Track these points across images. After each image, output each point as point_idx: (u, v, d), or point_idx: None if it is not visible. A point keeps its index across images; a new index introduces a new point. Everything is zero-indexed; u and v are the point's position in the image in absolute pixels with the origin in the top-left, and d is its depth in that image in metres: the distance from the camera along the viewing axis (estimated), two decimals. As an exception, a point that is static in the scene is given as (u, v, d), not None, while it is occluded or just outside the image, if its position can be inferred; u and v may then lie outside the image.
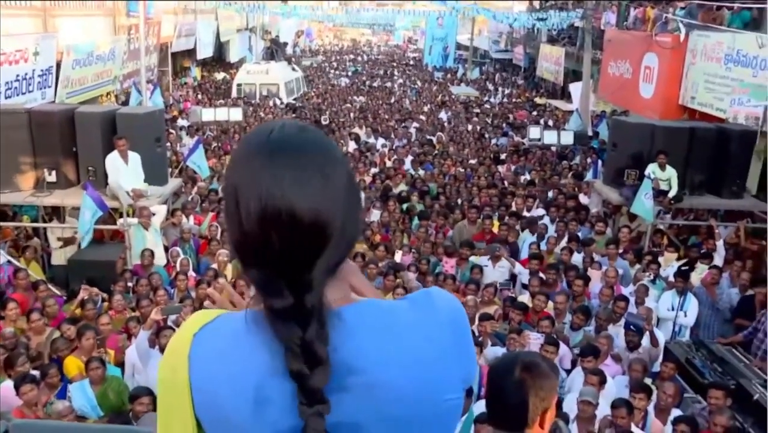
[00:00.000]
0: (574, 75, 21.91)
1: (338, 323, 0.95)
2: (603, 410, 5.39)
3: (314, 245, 0.92)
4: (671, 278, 8.05)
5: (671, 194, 9.50)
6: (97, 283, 7.93)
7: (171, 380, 1.03)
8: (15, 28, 10.69)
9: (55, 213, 9.52)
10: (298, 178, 0.92)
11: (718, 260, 8.58)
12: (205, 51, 25.98)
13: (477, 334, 6.57)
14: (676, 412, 5.57)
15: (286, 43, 33.49)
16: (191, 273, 8.18)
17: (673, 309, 7.63)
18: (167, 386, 1.04)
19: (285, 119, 1.06)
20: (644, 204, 9.00)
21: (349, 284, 1.10)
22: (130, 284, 7.77)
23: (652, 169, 9.51)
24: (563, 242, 9.34)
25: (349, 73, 36.60)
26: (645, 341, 6.64)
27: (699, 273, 8.17)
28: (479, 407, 5.46)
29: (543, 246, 9.27)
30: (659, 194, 9.36)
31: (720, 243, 8.86)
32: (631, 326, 6.54)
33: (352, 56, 48.14)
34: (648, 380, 6.04)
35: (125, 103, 14.16)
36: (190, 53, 25.57)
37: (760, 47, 10.13)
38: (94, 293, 7.38)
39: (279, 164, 0.92)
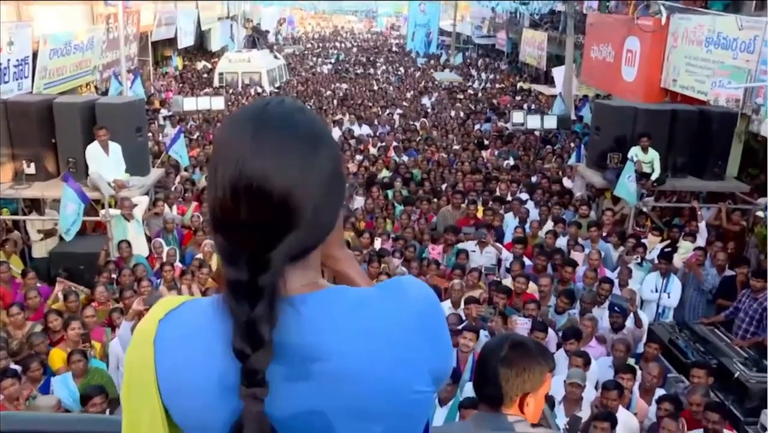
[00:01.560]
0: (557, 60, 21.92)
1: (303, 309, 0.93)
2: (588, 391, 5.44)
3: (280, 226, 0.90)
4: (655, 261, 8.12)
5: (654, 177, 9.56)
6: (79, 275, 7.87)
7: (138, 366, 1.01)
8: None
9: (35, 205, 9.40)
10: (279, 153, 0.90)
11: (701, 241, 8.65)
12: (186, 40, 25.70)
13: (463, 317, 6.61)
14: (660, 392, 5.64)
15: (267, 31, 33.20)
16: (177, 264, 8.12)
17: (656, 291, 7.72)
18: (134, 372, 1.02)
19: (285, 97, 1.04)
20: (627, 187, 9.05)
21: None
22: (114, 276, 7.71)
23: (634, 152, 9.57)
24: (547, 226, 9.38)
25: (332, 61, 36.39)
26: (629, 322, 6.70)
27: (682, 253, 8.25)
28: (466, 392, 5.51)
29: (527, 230, 9.30)
30: (642, 177, 9.41)
31: (702, 225, 8.94)
32: (616, 307, 6.59)
33: (336, 43, 47.88)
34: (631, 360, 6.09)
35: (105, 93, 13.98)
36: (171, 42, 25.29)
37: (740, 29, 10.18)
38: (68, 285, 7.31)
39: (263, 136, 0.91)
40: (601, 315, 6.81)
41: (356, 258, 7.09)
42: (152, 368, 0.98)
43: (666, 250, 8.00)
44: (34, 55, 11.51)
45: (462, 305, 6.81)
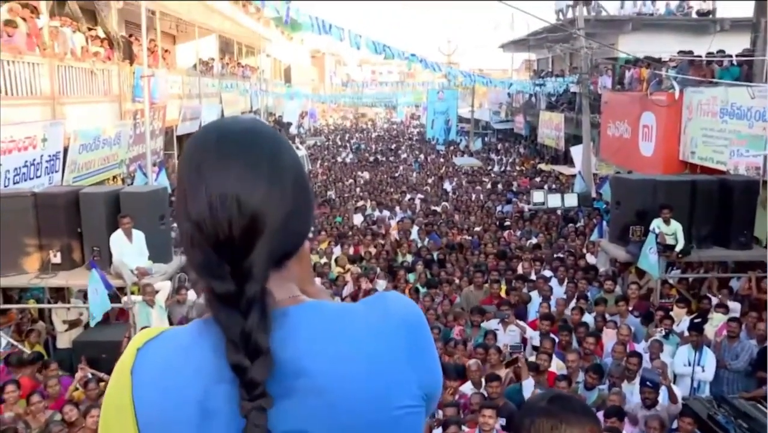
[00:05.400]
0: (574, 140, 22.16)
1: (284, 322, 0.91)
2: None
3: (255, 233, 0.91)
4: (685, 334, 7.87)
5: (678, 248, 9.42)
6: (102, 364, 7.82)
7: (115, 398, 0.98)
8: (25, 116, 11.00)
9: (60, 295, 9.49)
10: (247, 172, 0.93)
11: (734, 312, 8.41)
12: (211, 134, 26.54)
13: (486, 396, 6.43)
14: (700, 470, 5.33)
15: (290, 123, 34.19)
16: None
17: (689, 364, 7.42)
18: (110, 405, 0.99)
19: (236, 116, 1.09)
20: (649, 259, 8.91)
21: (303, 289, 1.08)
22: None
23: (656, 224, 9.47)
24: (573, 303, 9.23)
25: (353, 150, 37.11)
26: (663, 398, 6.42)
27: (714, 325, 7.99)
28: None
29: (552, 306, 9.14)
30: (666, 249, 9.28)
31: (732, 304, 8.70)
32: (648, 382, 6.33)
33: (357, 134, 49.04)
34: (667, 438, 5.81)
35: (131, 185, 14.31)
36: (196, 136, 26.09)
37: (752, 98, 10.27)
38: (90, 372, 7.28)
39: (231, 159, 0.94)
40: (632, 391, 6.55)
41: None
42: (129, 399, 0.95)
43: (696, 321, 7.76)
44: (65, 150, 11.92)
45: (483, 383, 6.64)
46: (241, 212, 0.90)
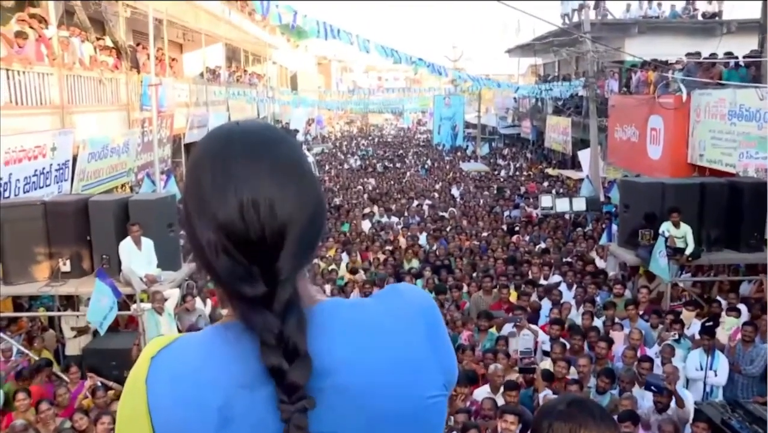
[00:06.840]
0: (582, 144, 22.10)
1: (310, 322, 0.91)
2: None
3: (285, 236, 0.90)
4: (696, 337, 7.82)
5: (688, 251, 9.36)
6: (111, 371, 7.84)
7: (130, 408, 0.96)
8: (35, 125, 11.06)
9: (70, 303, 9.52)
10: (279, 177, 0.92)
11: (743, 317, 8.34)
12: (218, 141, 26.55)
13: (498, 403, 6.38)
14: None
15: (297, 131, 34.24)
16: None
17: (701, 368, 7.35)
18: (125, 415, 0.97)
19: (243, 120, 1.06)
20: (660, 262, 8.86)
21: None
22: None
23: (666, 227, 9.42)
24: (582, 307, 9.19)
25: (360, 156, 37.12)
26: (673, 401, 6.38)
27: (726, 329, 7.93)
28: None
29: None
30: (676, 252, 9.23)
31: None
32: (652, 387, 6.29)
33: (363, 140, 49.06)
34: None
35: (140, 194, 14.33)
36: (204, 144, 26.09)
37: (761, 99, 10.23)
38: (99, 381, 7.30)
39: (255, 156, 0.92)
40: (643, 395, 6.50)
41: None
42: (144, 408, 0.94)
43: (708, 325, 7.70)
44: (74, 159, 11.98)
45: (501, 390, 6.60)
46: (274, 216, 0.89)
